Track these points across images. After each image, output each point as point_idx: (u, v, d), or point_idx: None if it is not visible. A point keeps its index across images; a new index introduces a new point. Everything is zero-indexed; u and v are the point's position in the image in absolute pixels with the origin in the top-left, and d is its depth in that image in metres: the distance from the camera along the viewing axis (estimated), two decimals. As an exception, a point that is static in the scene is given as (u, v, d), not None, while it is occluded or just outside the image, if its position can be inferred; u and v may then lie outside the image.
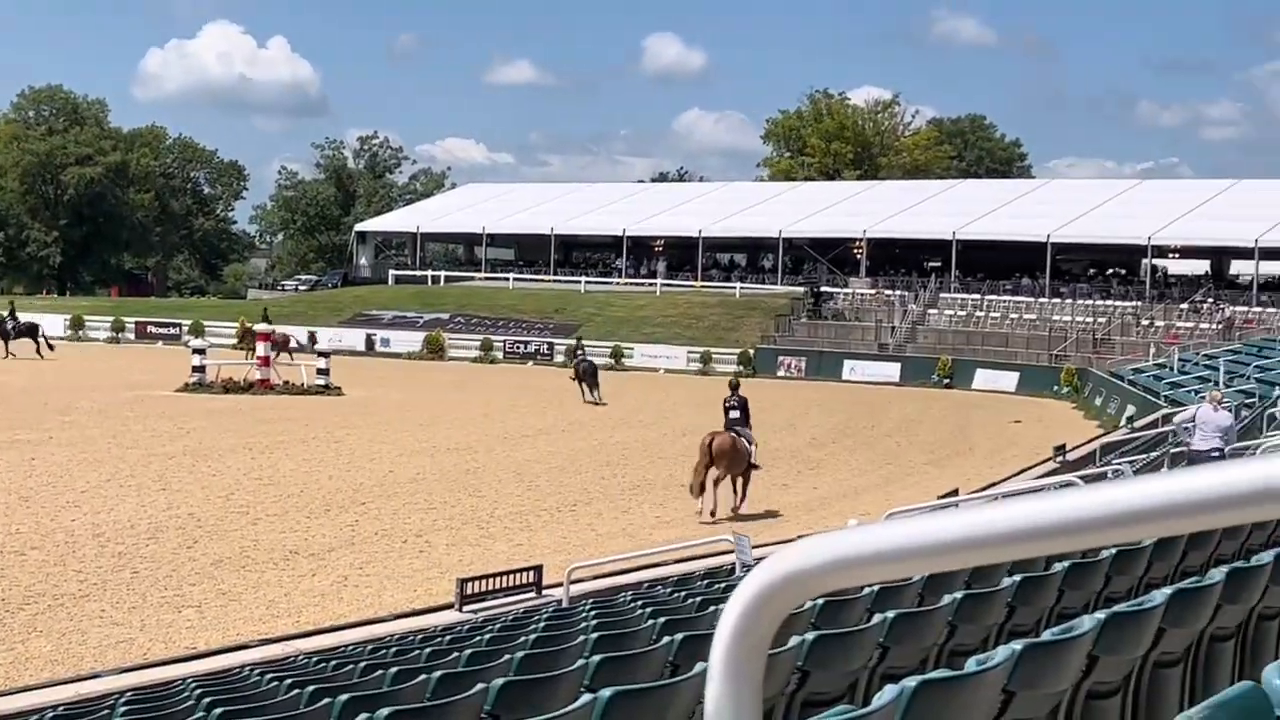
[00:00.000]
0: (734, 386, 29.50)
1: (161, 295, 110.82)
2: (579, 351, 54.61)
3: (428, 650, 10.66)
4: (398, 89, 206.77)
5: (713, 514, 25.81)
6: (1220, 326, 65.94)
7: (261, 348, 52.46)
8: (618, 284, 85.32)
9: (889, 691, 4.09)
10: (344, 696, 6.95)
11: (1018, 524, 1.32)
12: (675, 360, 71.66)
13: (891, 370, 67.59)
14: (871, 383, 64.85)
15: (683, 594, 13.23)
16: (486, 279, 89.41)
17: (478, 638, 11.32)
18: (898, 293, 76.95)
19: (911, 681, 4.18)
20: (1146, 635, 5.44)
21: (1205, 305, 69.72)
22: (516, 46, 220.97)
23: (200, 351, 49.98)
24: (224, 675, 11.83)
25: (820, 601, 8.17)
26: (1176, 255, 76.87)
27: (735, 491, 27.21)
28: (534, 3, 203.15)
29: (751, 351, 71.16)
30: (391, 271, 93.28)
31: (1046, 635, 5.23)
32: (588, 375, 50.31)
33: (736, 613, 1.43)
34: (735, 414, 28.06)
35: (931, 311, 75.05)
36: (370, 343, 77.10)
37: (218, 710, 7.35)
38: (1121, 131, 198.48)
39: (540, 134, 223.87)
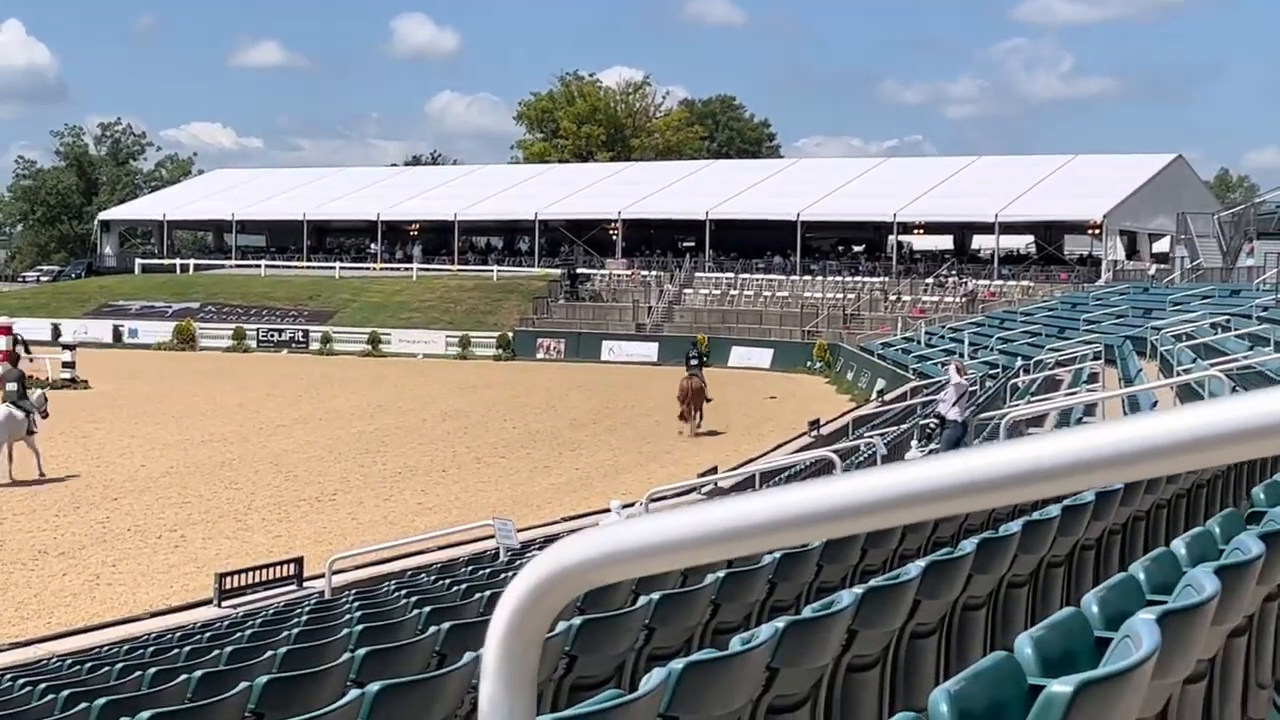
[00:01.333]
0: (695, 343, 46.54)
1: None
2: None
3: (187, 649, 10.44)
4: (140, 73, 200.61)
5: (695, 432, 38.18)
6: (964, 300, 67.99)
7: (2, 341, 50.69)
8: (373, 269, 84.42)
9: (657, 675, 4.13)
10: (101, 700, 6.77)
11: (795, 509, 1.35)
12: (434, 345, 71.22)
13: (649, 350, 68.15)
14: (630, 363, 65.34)
15: (447, 581, 13.19)
16: (237, 267, 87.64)
17: (238, 634, 11.12)
18: (653, 273, 77.59)
19: (678, 664, 4.23)
20: (903, 607, 5.59)
21: (949, 280, 71.79)
22: (262, 27, 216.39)
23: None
24: (-28, 683, 11.42)
25: (585, 585, 8.20)
26: (921, 231, 78.97)
27: (700, 415, 38.92)
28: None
29: (510, 334, 71.09)
30: (138, 261, 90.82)
31: (807, 612, 5.33)
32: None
33: (510, 609, 1.42)
34: (694, 364, 40.04)
35: (687, 291, 75.87)
36: (118, 334, 74.97)
37: (-33, 721, 7.10)
38: (867, 110, 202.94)
39: (290, 118, 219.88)
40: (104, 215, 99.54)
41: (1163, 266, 66.32)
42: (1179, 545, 5.06)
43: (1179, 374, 25.06)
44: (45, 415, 29.68)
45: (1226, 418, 1.24)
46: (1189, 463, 1.27)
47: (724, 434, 38.54)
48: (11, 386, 29.89)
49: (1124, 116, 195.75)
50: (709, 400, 39.33)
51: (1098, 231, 71.73)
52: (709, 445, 35.64)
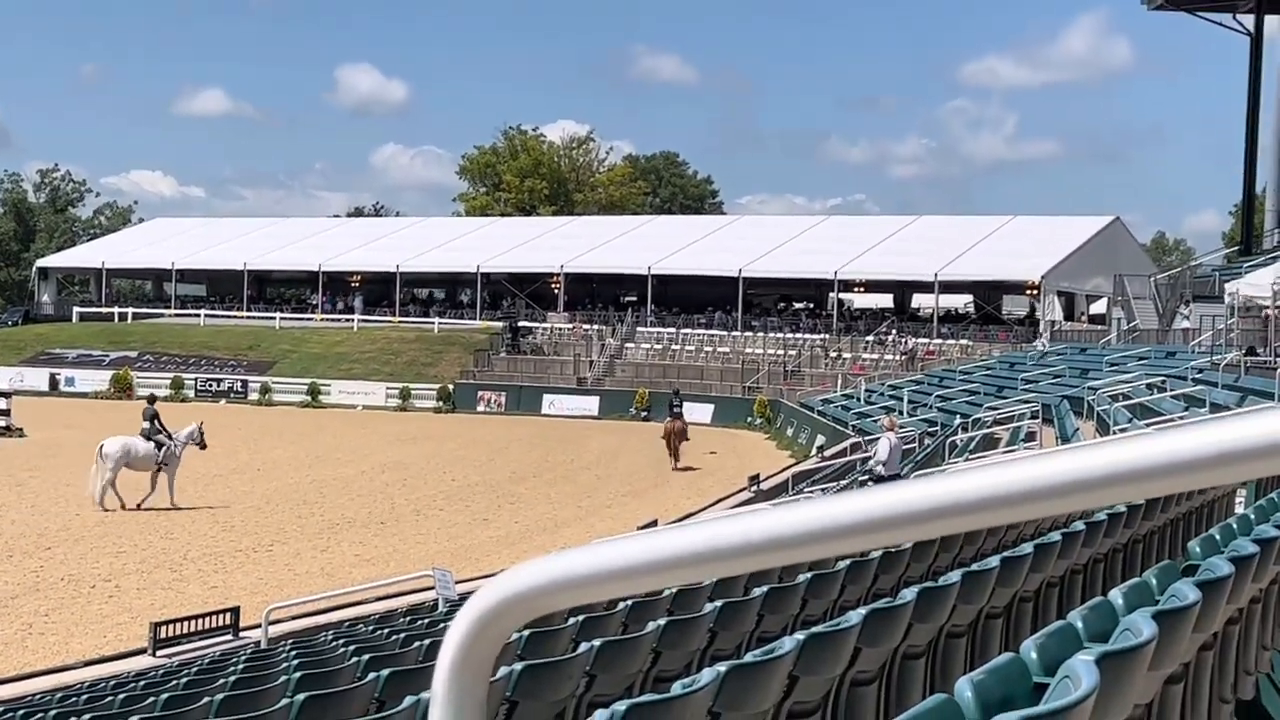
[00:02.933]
0: (676, 391, 52.18)
1: None
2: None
3: (121, 696, 10.32)
4: (82, 120, 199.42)
5: (676, 467, 43.65)
6: (904, 358, 68.39)
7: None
8: (314, 320, 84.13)
9: (600, 716, 4.14)
10: (34, 747, 6.69)
11: (742, 537, 1.37)
12: (374, 396, 70.98)
13: (590, 404, 68.19)
14: (571, 416, 65.32)
15: (386, 631, 13.10)
16: (177, 315, 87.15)
17: (174, 682, 11.00)
18: (595, 327, 77.73)
19: (621, 706, 4.24)
20: (843, 654, 5.61)
21: (889, 337, 72.22)
22: (207, 75, 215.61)
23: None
24: (-100, 731, 11.25)
25: (526, 633, 8.20)
26: (862, 289, 79.48)
27: (676, 455, 44.52)
28: (223, 31, 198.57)
29: (451, 387, 70.95)
30: (76, 309, 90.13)
31: (749, 657, 5.35)
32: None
33: (460, 634, 1.43)
34: (677, 409, 46.61)
35: (629, 345, 76.00)
36: (54, 382, 74.35)
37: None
38: (812, 168, 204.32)
39: (233, 167, 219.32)
40: (42, 262, 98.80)
41: (1099, 328, 66.98)
42: (1116, 595, 5.11)
43: (1115, 433, 25.29)
44: (202, 446, 34.06)
45: (1217, 438, 1.27)
46: (1186, 482, 1.30)
47: (664, 487, 38.55)
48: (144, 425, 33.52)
49: (1065, 178, 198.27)
50: (687, 440, 45.35)
51: (1036, 292, 72.41)
52: (649, 499, 35.62)
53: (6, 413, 50.04)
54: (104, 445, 32.05)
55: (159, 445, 32.87)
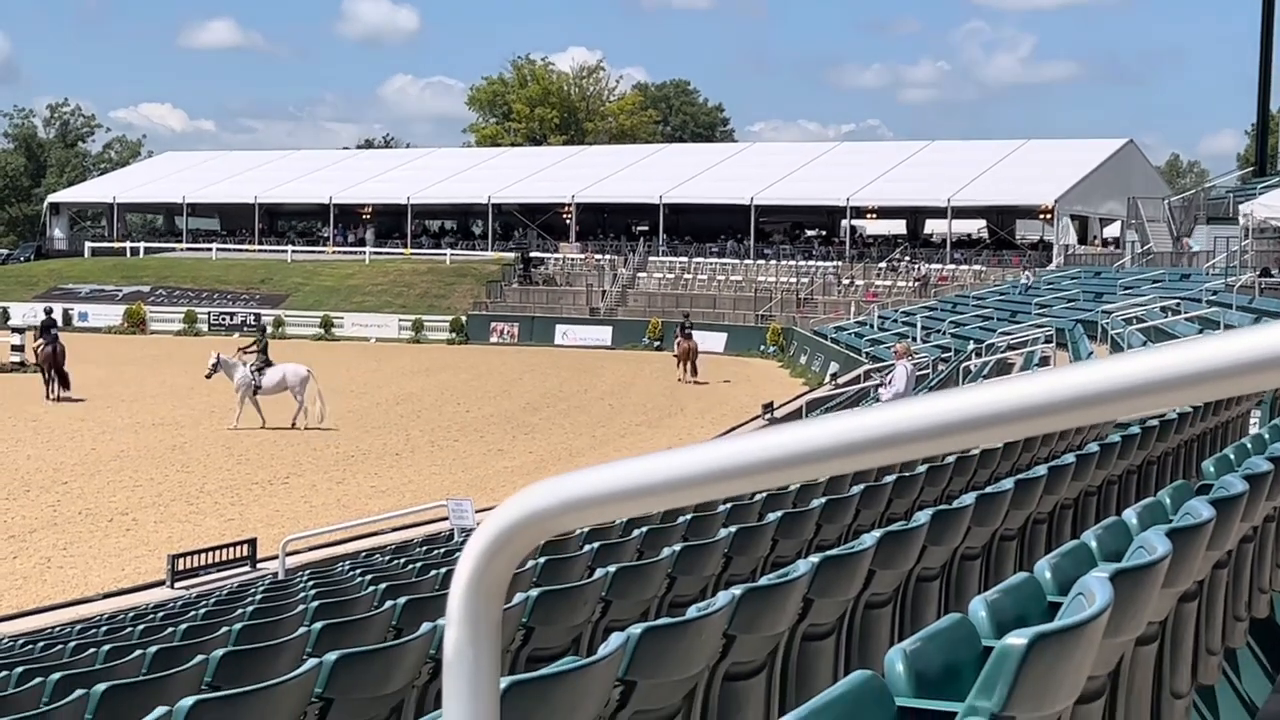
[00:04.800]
0: (686, 315, 57.99)
1: None
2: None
3: (140, 627, 10.41)
4: (90, 53, 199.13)
5: (695, 380, 48.61)
6: (916, 284, 68.24)
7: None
8: (326, 253, 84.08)
9: (615, 640, 4.16)
10: (55, 675, 6.74)
11: (759, 453, 1.36)
12: (387, 329, 71.02)
13: (603, 334, 68.14)
14: (584, 347, 65.30)
15: (402, 560, 13.19)
16: (189, 249, 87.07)
17: (192, 613, 11.08)
18: (607, 257, 77.56)
19: (636, 629, 4.26)
20: (858, 577, 5.63)
21: (902, 264, 72.05)
22: (214, 5, 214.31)
23: (260, 326, 47.91)
24: (-77, 664, 11.35)
25: (542, 559, 8.24)
26: (874, 216, 79.19)
27: (694, 371, 49.14)
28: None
29: (464, 318, 70.95)
30: (88, 244, 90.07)
31: (763, 581, 5.38)
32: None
33: (475, 554, 1.43)
34: (688, 330, 52.10)
35: (641, 275, 75.87)
36: (67, 317, 74.21)
37: (-81, 698, 7.05)
38: (825, 94, 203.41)
39: (242, 99, 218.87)
40: (53, 198, 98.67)
41: (1113, 251, 66.75)
42: (1130, 514, 5.12)
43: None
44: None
45: (1219, 350, 1.26)
46: (1188, 396, 1.29)
47: (678, 416, 38.62)
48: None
49: (1082, 101, 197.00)
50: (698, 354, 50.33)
51: (1049, 216, 72.12)
52: (664, 429, 35.71)
53: (20, 348, 50.13)
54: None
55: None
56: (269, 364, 36.07)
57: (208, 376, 35.45)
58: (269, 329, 42.16)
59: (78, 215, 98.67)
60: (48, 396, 39.98)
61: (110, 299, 76.41)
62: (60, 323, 71.92)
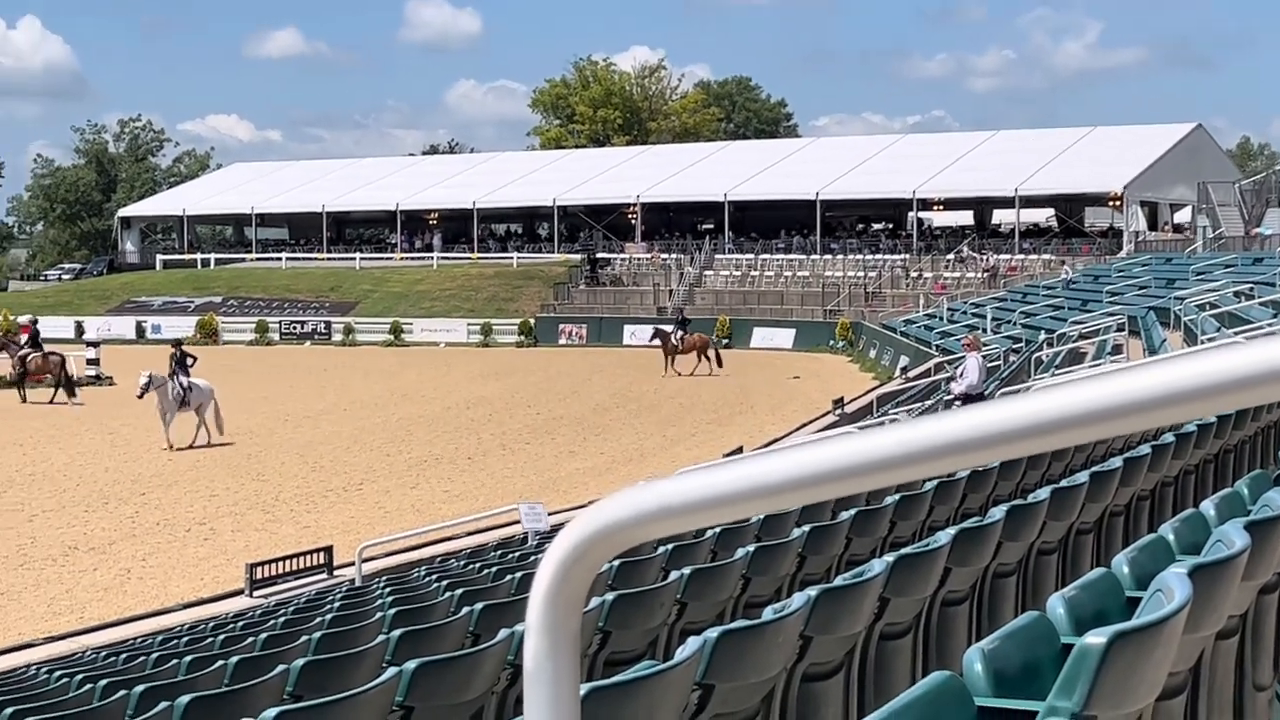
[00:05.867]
0: (681, 310, 60.30)
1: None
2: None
3: (221, 637, 10.50)
4: (157, 66, 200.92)
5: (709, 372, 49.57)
6: (985, 275, 67.80)
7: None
8: (394, 259, 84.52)
9: (692, 643, 4.17)
10: (140, 688, 6.82)
11: (832, 462, 1.37)
12: (455, 333, 71.31)
13: (671, 333, 68.04)
14: (652, 347, 65.25)
15: (477, 565, 13.24)
16: (258, 260, 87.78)
17: (272, 621, 11.18)
18: (673, 256, 77.54)
19: (713, 632, 4.27)
20: (933, 575, 5.62)
21: (970, 255, 71.62)
22: (278, 16, 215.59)
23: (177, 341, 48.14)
24: (9, 675, 11.50)
25: (617, 563, 8.26)
26: (941, 207, 78.76)
27: (710, 360, 50.98)
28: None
29: (532, 321, 71.15)
30: (159, 256, 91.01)
31: (839, 581, 5.37)
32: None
33: (554, 565, 1.44)
34: (688, 323, 53.48)
35: (707, 273, 75.81)
36: (140, 330, 75.22)
37: (7, 710, 7.16)
38: (890, 86, 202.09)
39: (308, 109, 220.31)
40: (124, 211, 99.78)
41: (1183, 237, 66.07)
42: (1208, 506, 5.08)
43: (1203, 343, 25.00)
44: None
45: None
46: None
47: (748, 414, 38.56)
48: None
49: (1150, 86, 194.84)
50: (713, 349, 51.43)
51: (1118, 203, 71.49)
52: (734, 427, 35.65)
53: (96, 361, 50.70)
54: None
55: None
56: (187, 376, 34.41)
57: (139, 396, 33.85)
58: (182, 339, 41.08)
59: (148, 228, 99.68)
60: (53, 400, 42.92)
61: (182, 310, 77.15)
62: (134, 335, 73.01)
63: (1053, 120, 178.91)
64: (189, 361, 35.05)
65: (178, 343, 37.48)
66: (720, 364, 50.57)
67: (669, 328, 53.54)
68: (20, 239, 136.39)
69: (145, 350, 66.65)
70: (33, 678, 10.49)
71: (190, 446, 32.51)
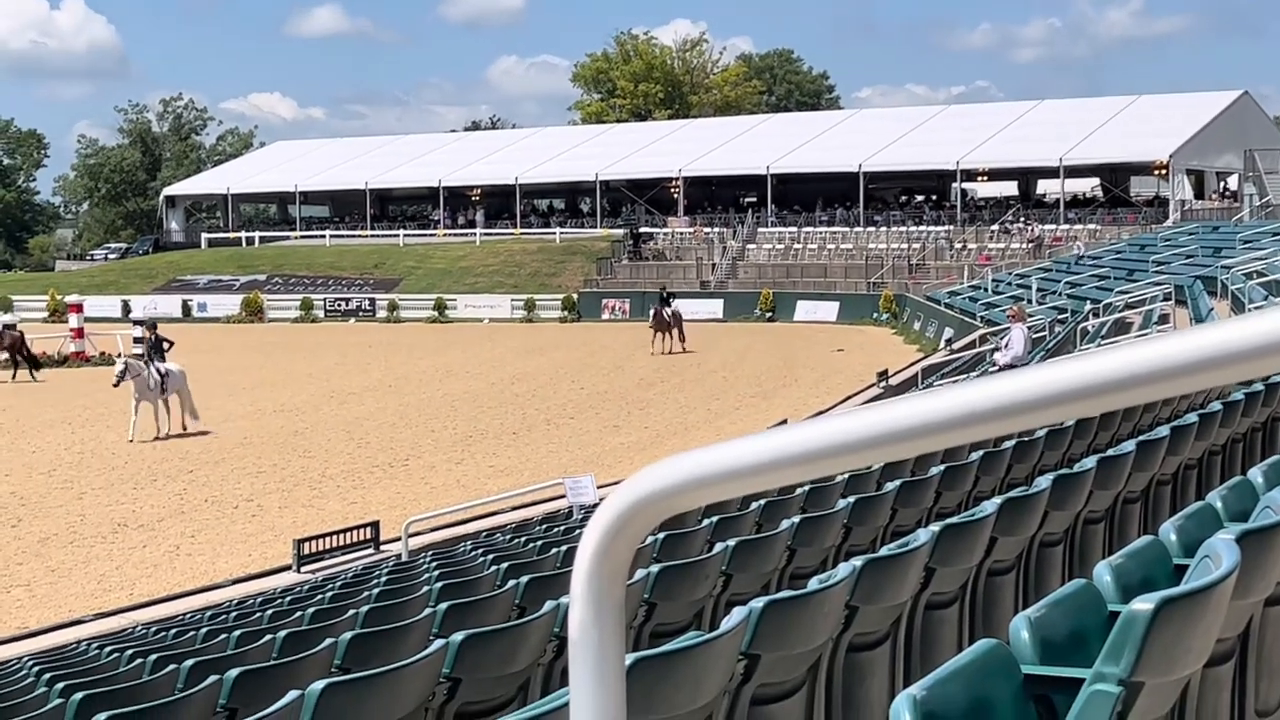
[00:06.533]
0: (663, 288, 56.62)
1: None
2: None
3: (269, 612, 10.57)
4: (200, 45, 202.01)
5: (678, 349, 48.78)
6: (1030, 246, 67.44)
7: (74, 319, 51.36)
8: (437, 236, 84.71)
9: (738, 613, 4.17)
10: (189, 662, 6.87)
11: (873, 429, 1.36)
12: (499, 309, 71.47)
13: (714, 307, 68.07)
14: (695, 320, 65.19)
15: (522, 539, 13.28)
16: (302, 238, 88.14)
17: (319, 596, 11.25)
18: (716, 230, 77.46)
19: (758, 603, 4.27)
20: (979, 545, 5.60)
21: (1014, 226, 71.24)
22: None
23: (10, 327, 48.25)
24: (61, 651, 11.62)
25: (662, 535, 8.27)
26: (985, 178, 78.37)
27: (681, 338, 49.71)
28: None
29: (575, 296, 71.21)
30: (204, 235, 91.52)
31: (884, 551, 5.36)
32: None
33: (597, 535, 1.44)
34: (666, 309, 50.19)
35: (750, 246, 75.70)
36: (186, 308, 75.68)
37: (60, 685, 7.23)
38: (933, 57, 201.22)
39: (351, 86, 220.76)
40: (169, 191, 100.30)
41: (1230, 205, 65.55)
42: (1256, 474, 5.05)
43: (1251, 311, 24.78)
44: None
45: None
46: None
47: (793, 387, 38.51)
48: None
49: (1196, 53, 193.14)
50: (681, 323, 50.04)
51: (1164, 172, 70.96)
52: (778, 399, 35.62)
53: (142, 340, 51.02)
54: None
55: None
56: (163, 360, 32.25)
57: (115, 385, 31.58)
58: (155, 321, 37.48)
59: (193, 207, 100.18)
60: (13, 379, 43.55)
61: (228, 289, 77.56)
62: (180, 314, 73.45)
63: (1097, 89, 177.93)
64: (165, 346, 32.79)
65: (153, 325, 35.03)
66: (683, 339, 49.78)
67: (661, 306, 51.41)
68: (66, 219, 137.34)
69: (192, 328, 67.12)
70: (84, 653, 10.59)
71: (158, 438, 30.44)
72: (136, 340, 50.84)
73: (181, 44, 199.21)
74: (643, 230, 78.33)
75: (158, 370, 31.61)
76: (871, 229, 74.49)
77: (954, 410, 1.36)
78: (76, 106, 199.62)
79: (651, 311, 51.59)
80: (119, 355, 32.41)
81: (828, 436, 1.38)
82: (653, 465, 1.46)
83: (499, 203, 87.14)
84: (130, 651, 8.94)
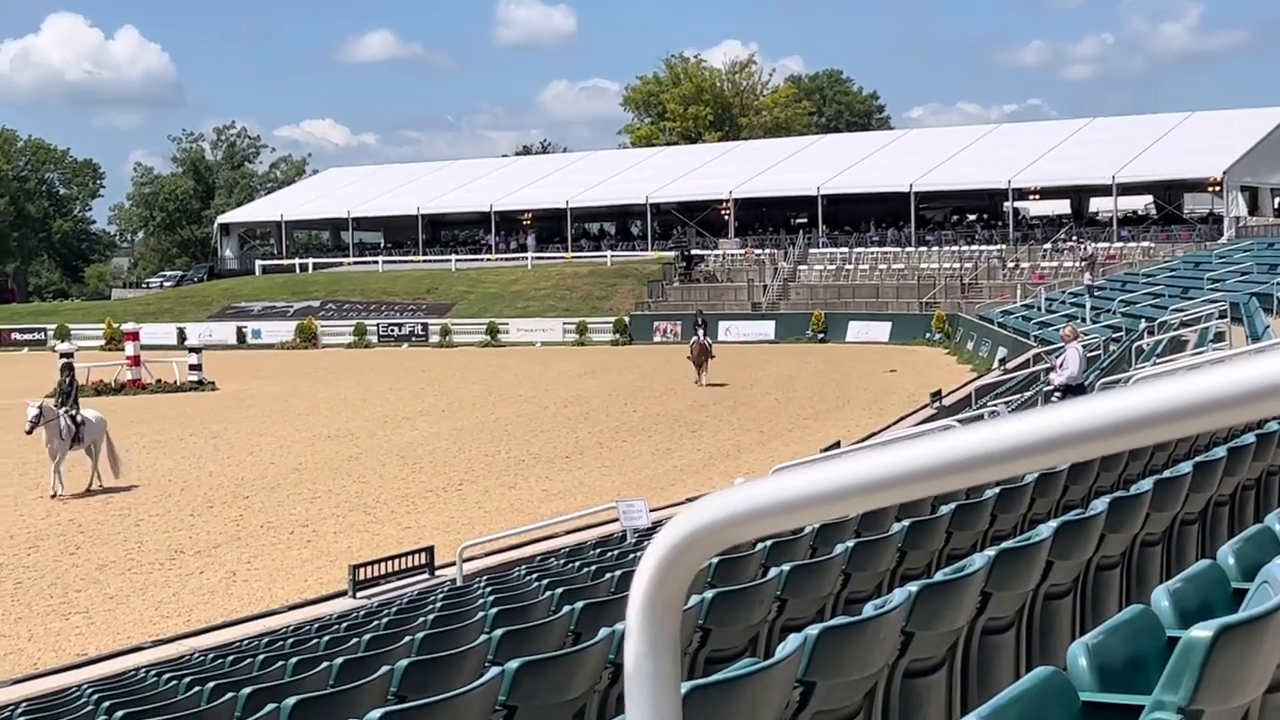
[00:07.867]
0: (700, 312, 55.89)
1: (23, 301, 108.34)
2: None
3: (325, 638, 10.61)
4: (253, 72, 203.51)
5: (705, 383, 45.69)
6: (1083, 264, 67.07)
7: (130, 347, 51.79)
8: (489, 260, 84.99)
9: (793, 641, 4.16)
10: (247, 690, 6.91)
11: (926, 460, 1.36)
12: (551, 333, 71.61)
13: (766, 328, 68.03)
14: (747, 342, 65.22)
15: (577, 564, 13.28)
16: (355, 263, 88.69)
17: (375, 622, 11.28)
18: (767, 251, 77.42)
19: (814, 629, 4.25)
20: (1035, 569, 5.57)
21: (1067, 244, 70.88)
22: (370, 19, 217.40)
23: (68, 355, 48.67)
24: (119, 679, 11.69)
25: (716, 560, 8.25)
26: (1037, 196, 78.05)
27: (704, 371, 46.30)
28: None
29: (627, 319, 71.28)
30: (258, 262, 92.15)
31: (939, 576, 5.34)
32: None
33: (652, 567, 1.44)
34: (701, 331, 48.49)
35: (802, 268, 75.60)
36: (241, 335, 76.19)
37: (119, 713, 7.28)
38: (985, 75, 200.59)
39: (403, 112, 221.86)
40: (223, 218, 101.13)
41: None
42: (1315, 496, 5.00)
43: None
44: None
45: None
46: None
47: (845, 408, 38.41)
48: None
49: (1251, 68, 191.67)
50: (713, 357, 47.01)
51: (1218, 189, 70.47)
52: (831, 421, 35.52)
53: (198, 367, 51.43)
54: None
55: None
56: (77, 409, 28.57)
57: (28, 432, 27.69)
58: (73, 364, 32.59)
59: (247, 234, 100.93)
60: None
61: (282, 315, 78.04)
62: (235, 340, 73.97)
63: (1151, 105, 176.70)
64: (75, 388, 29.70)
65: (68, 364, 31.36)
66: (704, 372, 46.30)
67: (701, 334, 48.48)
68: (122, 248, 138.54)
69: (246, 355, 67.55)
70: (142, 681, 10.65)
71: (87, 492, 27.46)
72: (193, 368, 51.34)
73: (235, 72, 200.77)
74: (694, 252, 78.37)
75: (72, 418, 28.04)
76: (923, 249, 74.27)
77: (1012, 440, 1.36)
78: (131, 135, 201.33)
79: (692, 341, 48.41)
80: (29, 402, 28.21)
81: (885, 468, 1.38)
82: (708, 497, 1.47)
83: (550, 226, 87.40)
84: (189, 679, 8.99)
